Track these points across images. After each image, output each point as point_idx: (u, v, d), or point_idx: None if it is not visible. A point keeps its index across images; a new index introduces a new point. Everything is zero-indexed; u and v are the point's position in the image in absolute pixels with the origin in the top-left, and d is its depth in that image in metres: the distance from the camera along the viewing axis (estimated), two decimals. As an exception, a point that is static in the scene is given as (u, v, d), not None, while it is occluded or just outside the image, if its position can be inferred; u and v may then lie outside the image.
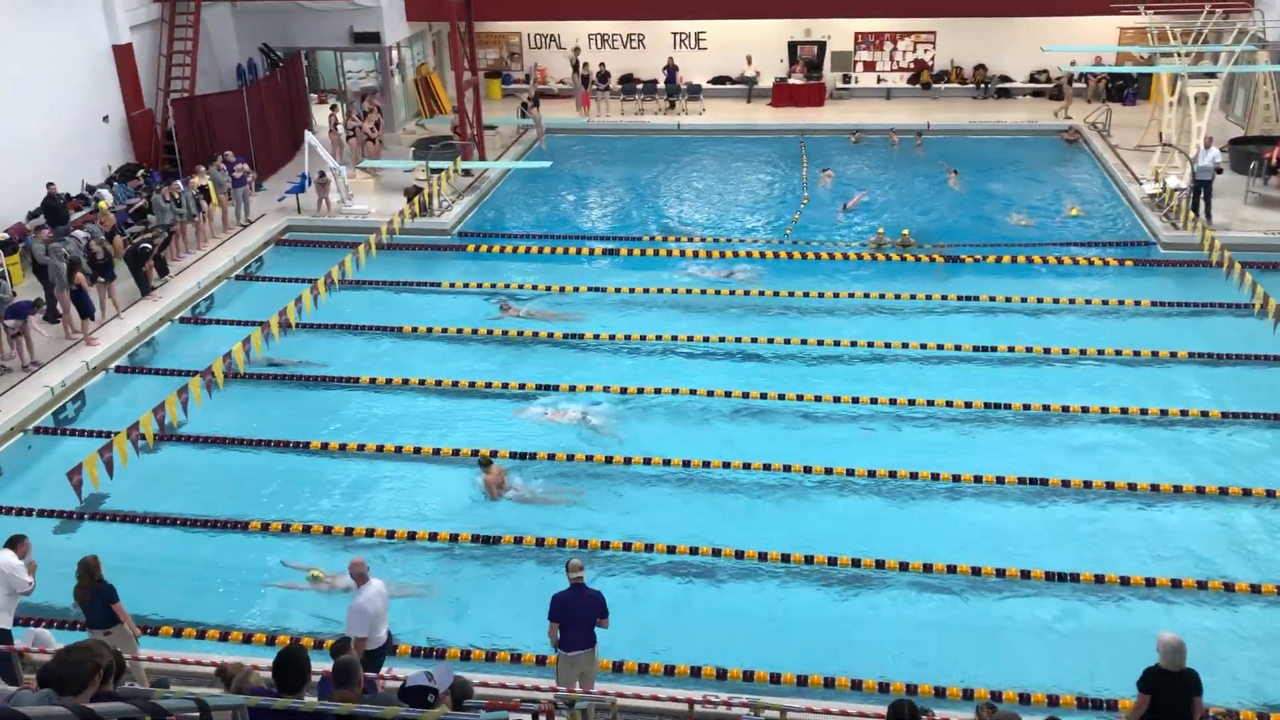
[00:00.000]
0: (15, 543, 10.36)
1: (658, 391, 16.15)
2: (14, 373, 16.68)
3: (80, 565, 10.02)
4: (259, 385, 16.85)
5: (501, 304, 18.69)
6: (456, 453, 14.71)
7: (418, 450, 14.84)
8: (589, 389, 16.25)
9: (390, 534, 13.03)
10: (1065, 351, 17.15)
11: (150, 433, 14.07)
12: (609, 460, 14.50)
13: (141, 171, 23.86)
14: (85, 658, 4.84)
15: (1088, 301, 18.96)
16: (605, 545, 12.67)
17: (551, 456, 14.58)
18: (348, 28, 28.38)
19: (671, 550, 12.56)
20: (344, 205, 23.72)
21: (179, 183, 21.75)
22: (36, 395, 16.14)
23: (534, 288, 20.01)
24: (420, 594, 12.07)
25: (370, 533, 13.08)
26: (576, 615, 9.48)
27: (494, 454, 14.43)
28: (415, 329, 18.55)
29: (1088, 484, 13.68)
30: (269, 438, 15.21)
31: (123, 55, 24.33)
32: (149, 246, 19.45)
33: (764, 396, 15.95)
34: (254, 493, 14.05)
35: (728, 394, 16.05)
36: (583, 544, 12.68)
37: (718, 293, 19.71)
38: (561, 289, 19.95)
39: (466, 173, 25.39)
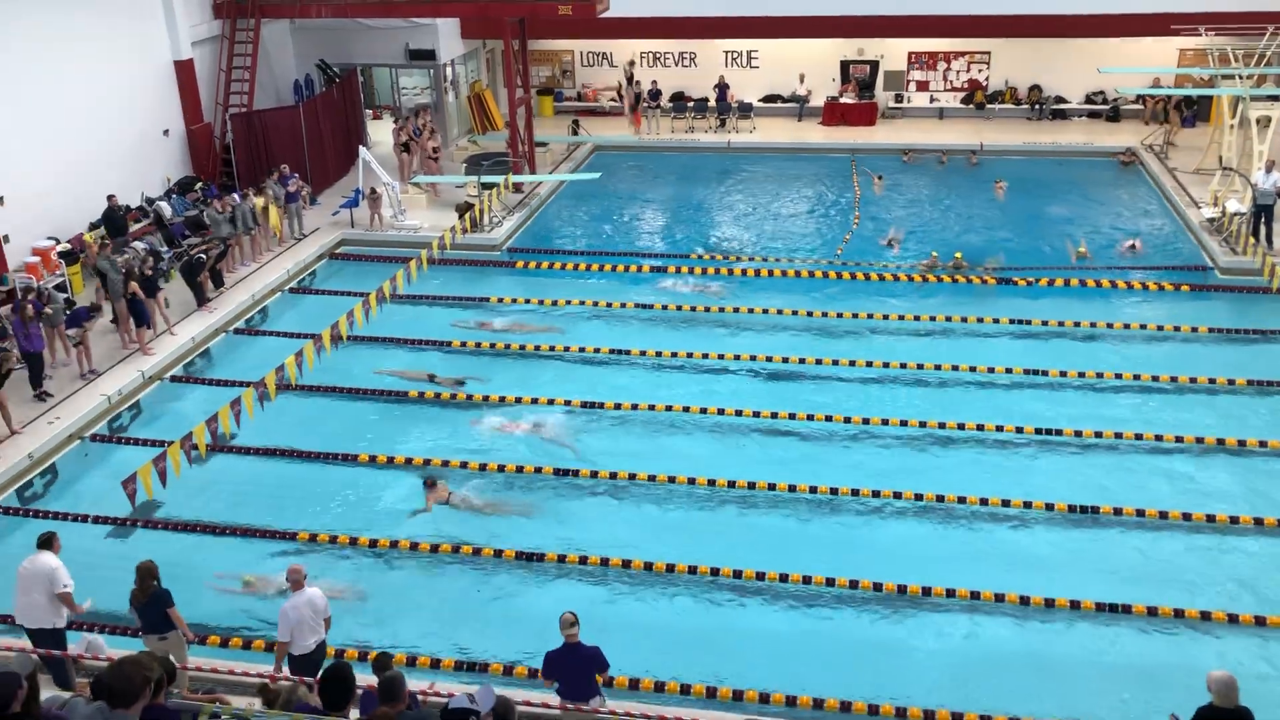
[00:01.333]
0: (48, 541, 10.44)
1: (704, 411, 16.12)
2: (73, 380, 17.01)
3: (139, 569, 10.18)
4: (310, 397, 17.04)
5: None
6: (502, 469, 14.78)
7: (464, 464, 14.91)
8: (634, 406, 16.26)
9: (434, 548, 13.10)
10: (1119, 376, 16.88)
11: (203, 443, 14.28)
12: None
13: (199, 185, 24.30)
14: (136, 671, 4.93)
15: (1143, 326, 18.66)
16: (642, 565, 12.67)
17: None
18: (404, 45, 28.76)
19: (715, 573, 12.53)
20: (396, 220, 23.98)
21: (235, 195, 22.16)
22: (94, 403, 16.46)
23: (581, 303, 20.08)
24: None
25: (415, 546, 13.16)
26: (571, 673, 9.30)
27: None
28: (464, 344, 18.67)
29: (1140, 513, 13.43)
30: (319, 450, 15.38)
31: (184, 70, 24.84)
32: (204, 258, 19.79)
33: (810, 418, 15.86)
34: (301, 504, 14.19)
35: (773, 414, 15.97)
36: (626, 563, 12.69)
37: (765, 311, 19.64)
38: (609, 304, 20.01)
39: (517, 189, 25.57)
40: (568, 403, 16.44)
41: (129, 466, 13.91)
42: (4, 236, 19.45)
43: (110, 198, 21.18)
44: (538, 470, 14.68)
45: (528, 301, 20.38)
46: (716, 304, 19.96)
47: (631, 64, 32.52)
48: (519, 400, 16.61)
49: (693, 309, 19.79)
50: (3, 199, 19.43)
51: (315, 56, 29.07)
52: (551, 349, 18.37)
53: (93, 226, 21.45)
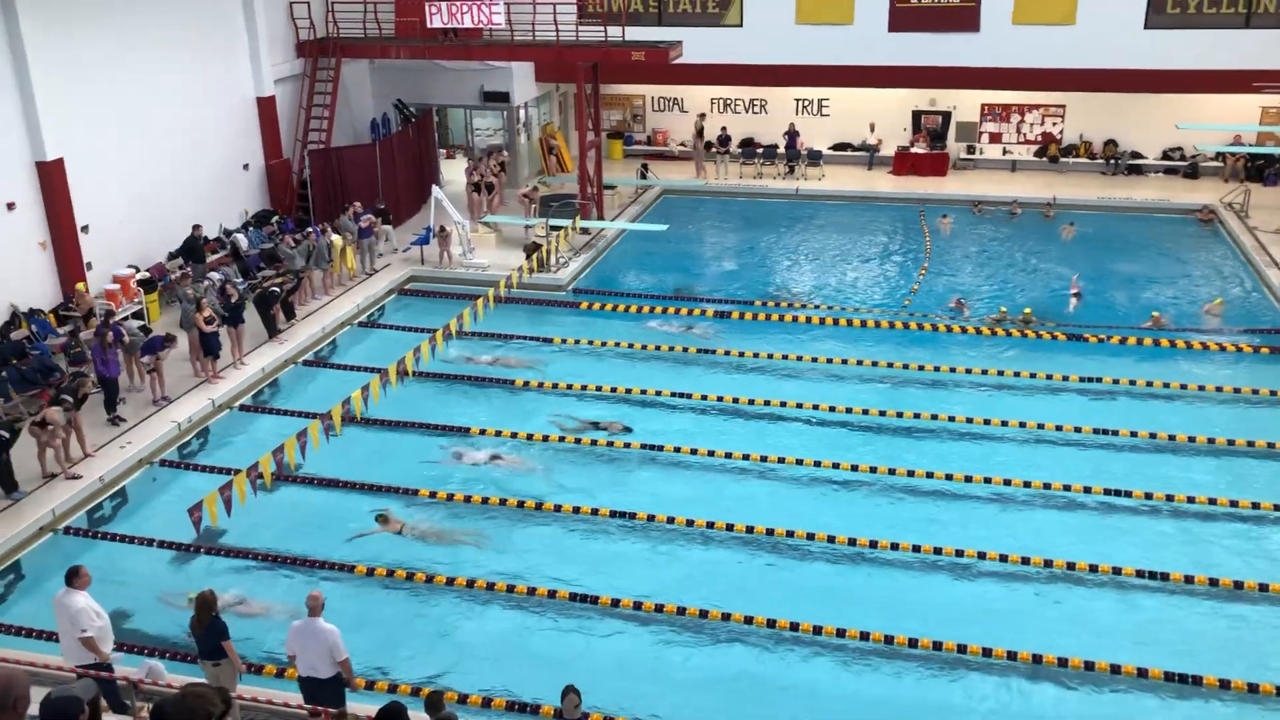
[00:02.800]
0: (71, 577, 10.34)
1: (763, 459, 16.02)
2: (146, 406, 17.39)
3: (199, 599, 10.36)
4: (375, 430, 17.21)
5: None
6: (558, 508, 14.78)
7: (520, 504, 14.94)
8: (693, 451, 16.22)
9: (490, 585, 13.10)
10: (1192, 440, 16.45)
11: (268, 473, 14.48)
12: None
13: (275, 218, 24.85)
14: (198, 705, 4.99)
15: (1218, 389, 18.17)
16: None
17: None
18: (479, 87, 29.25)
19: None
20: (465, 258, 24.29)
21: (312, 230, 22.65)
22: (164, 429, 16.80)
23: (643, 347, 20.12)
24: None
25: (471, 583, 13.17)
26: None
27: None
28: (527, 383, 18.77)
29: (1213, 582, 13.03)
30: (382, 483, 15.51)
31: (265, 107, 25.51)
32: (278, 290, 20.19)
33: (873, 470, 15.67)
34: (361, 536, 14.32)
35: (835, 465, 15.81)
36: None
37: (829, 361, 19.51)
38: (670, 348, 20.03)
39: (584, 231, 25.78)
40: (627, 445, 16.43)
41: (195, 493, 14.15)
42: (87, 264, 20.04)
43: (195, 227, 21.74)
44: (594, 512, 14.67)
45: (590, 342, 20.45)
46: (780, 350, 19.85)
47: (702, 116, 32.71)
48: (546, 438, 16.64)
49: (755, 355, 19.71)
50: (87, 227, 20.04)
51: (393, 96, 29.68)
52: (613, 390, 18.39)
53: (171, 256, 22.02)
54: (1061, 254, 25.34)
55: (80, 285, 19.51)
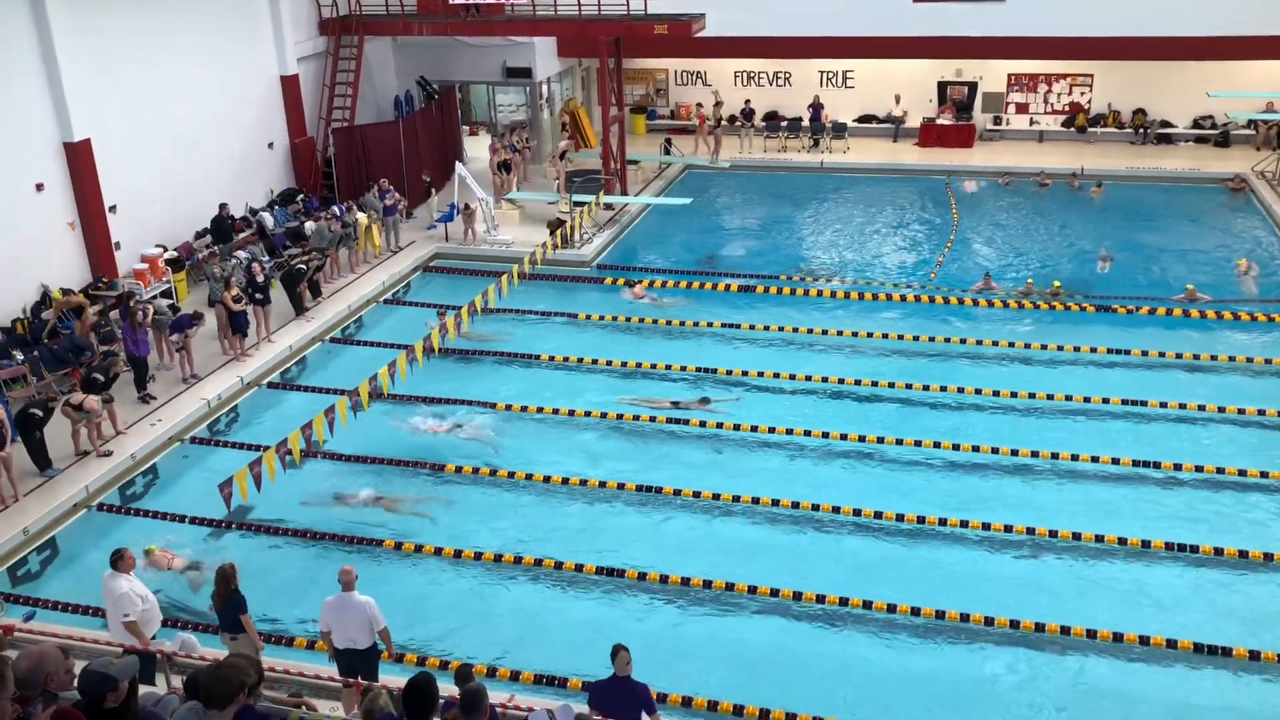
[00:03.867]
0: (115, 561, 10.47)
1: (789, 432, 16.02)
2: (176, 384, 17.57)
3: (218, 573, 10.49)
4: (401, 406, 17.31)
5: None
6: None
7: (547, 479, 15.02)
8: (719, 425, 16.23)
9: (517, 558, 13.20)
10: (1221, 410, 16.31)
11: (297, 450, 14.59)
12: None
13: (301, 197, 24.96)
14: (232, 675, 5.05)
15: (1249, 360, 18.00)
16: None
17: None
18: (501, 62, 29.20)
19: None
20: (489, 235, 24.32)
21: (335, 208, 22.75)
22: (194, 407, 16.97)
23: (667, 323, 20.12)
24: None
25: (499, 557, 13.27)
26: (616, 708, 9.04)
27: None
28: (552, 357, 18.82)
29: (1243, 554, 12.94)
30: (408, 458, 15.63)
31: (289, 85, 25.56)
32: (304, 268, 20.29)
33: (899, 442, 15.64)
34: (392, 510, 14.43)
35: (860, 438, 15.79)
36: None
37: (854, 334, 19.44)
38: (695, 324, 20.02)
39: (608, 206, 25.74)
40: (652, 419, 16.47)
41: (225, 469, 14.29)
42: (115, 243, 20.21)
43: (222, 206, 21.88)
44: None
45: (615, 319, 20.45)
46: (805, 324, 19.80)
47: (716, 92, 32.44)
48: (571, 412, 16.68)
49: (780, 329, 19.67)
50: (115, 207, 20.20)
51: (416, 73, 29.68)
52: (638, 365, 18.41)
53: (199, 235, 22.17)
54: (1089, 225, 25.11)
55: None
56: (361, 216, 22.85)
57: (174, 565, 12.96)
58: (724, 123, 31.61)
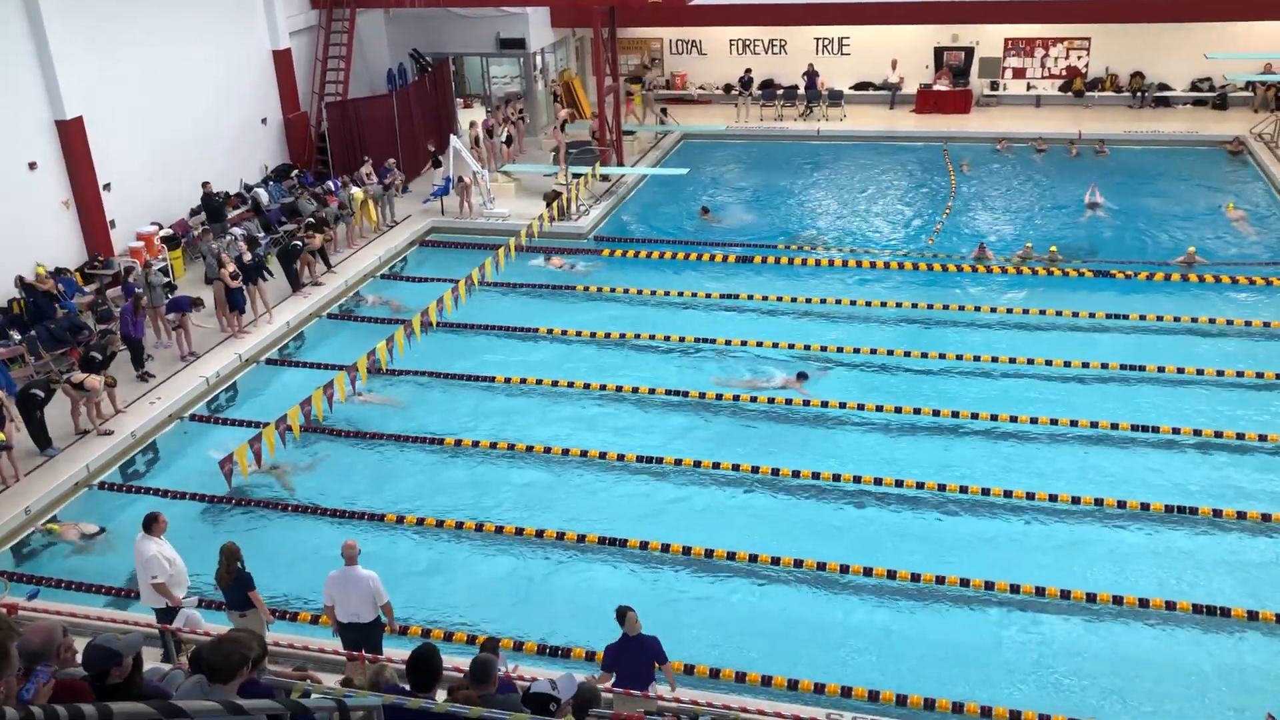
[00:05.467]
0: (149, 524, 10.67)
1: (788, 403, 16.05)
2: (174, 362, 17.56)
3: (222, 551, 10.54)
4: (399, 381, 17.32)
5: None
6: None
7: (548, 449, 15.05)
8: (718, 397, 16.24)
9: (519, 530, 13.25)
10: (1220, 374, 16.33)
11: (297, 425, 14.62)
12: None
13: (295, 172, 24.85)
14: (235, 650, 5.07)
15: (1247, 323, 17.99)
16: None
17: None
18: (495, 34, 28.98)
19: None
20: (485, 208, 24.24)
21: (330, 183, 22.66)
22: (193, 384, 16.98)
23: (666, 293, 20.08)
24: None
25: (500, 529, 13.32)
26: (631, 664, 9.38)
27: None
28: (550, 331, 18.80)
29: (1241, 514, 13.00)
30: (407, 433, 15.64)
31: (281, 60, 25.39)
32: (300, 244, 20.23)
33: (898, 410, 15.67)
34: (392, 486, 14.48)
35: (860, 406, 15.81)
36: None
37: (853, 303, 19.42)
38: (694, 294, 19.99)
39: (604, 177, 25.64)
40: (651, 390, 16.47)
41: (225, 446, 14.32)
42: (110, 221, 20.14)
43: (205, 184, 21.77)
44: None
45: (612, 290, 20.41)
46: (803, 294, 19.78)
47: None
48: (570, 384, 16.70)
49: (779, 299, 19.65)
50: (109, 185, 20.11)
51: (408, 46, 29.46)
52: (637, 336, 18.40)
53: (194, 212, 22.08)
54: (1087, 190, 25.01)
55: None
56: (357, 191, 22.76)
57: (75, 535, 13.38)
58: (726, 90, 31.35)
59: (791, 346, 17.77)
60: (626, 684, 9.40)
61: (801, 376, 16.77)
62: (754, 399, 16.18)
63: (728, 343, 17.99)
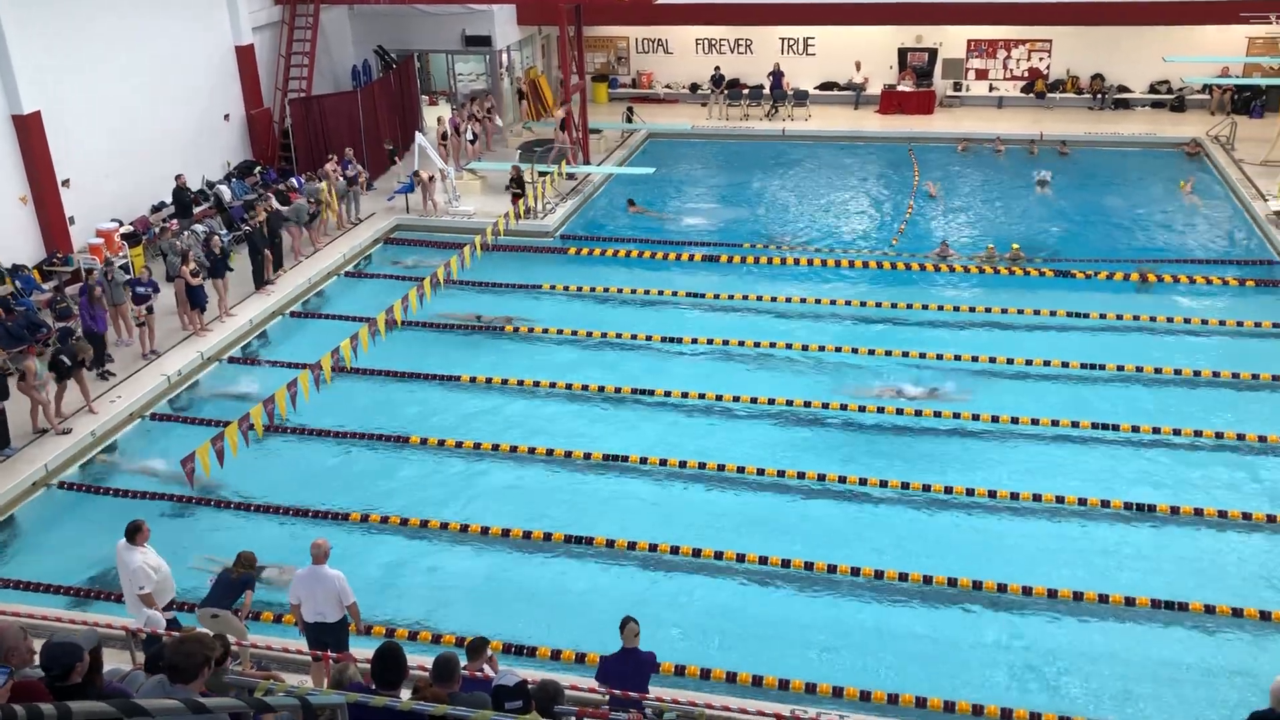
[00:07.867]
0: (132, 533, 10.48)
1: (754, 401, 16.12)
2: (136, 360, 17.36)
3: (241, 556, 10.70)
4: (365, 379, 17.22)
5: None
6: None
7: (514, 449, 15.02)
8: (684, 395, 16.28)
9: (484, 530, 13.23)
10: (1178, 372, 16.57)
11: (260, 424, 14.51)
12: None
13: (258, 169, 24.63)
14: (197, 649, 5.03)
15: (1204, 321, 18.26)
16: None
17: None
18: (460, 31, 28.88)
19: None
20: (450, 206, 24.14)
21: (294, 179, 22.47)
22: (155, 383, 16.79)
23: (632, 291, 20.09)
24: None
25: (465, 528, 13.28)
26: (627, 678, 9.26)
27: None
28: (517, 329, 18.76)
29: (1198, 511, 13.21)
30: (372, 431, 15.56)
31: (244, 56, 25.15)
32: (263, 229, 19.95)
33: (862, 410, 15.77)
34: (357, 485, 14.39)
35: (824, 405, 15.91)
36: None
37: (817, 301, 19.53)
38: (660, 292, 20.01)
39: (570, 176, 25.61)
40: (618, 390, 16.48)
41: (188, 445, 14.17)
42: (69, 218, 19.87)
43: (178, 177, 21.52)
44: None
45: (579, 289, 20.38)
46: (769, 293, 19.86)
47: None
48: (537, 383, 16.69)
49: (744, 297, 19.72)
50: (68, 181, 19.84)
51: (373, 42, 29.30)
52: (604, 335, 18.40)
53: (155, 209, 21.83)
54: (1049, 190, 25.30)
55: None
56: (322, 186, 22.58)
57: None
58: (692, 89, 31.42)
59: (756, 345, 17.83)
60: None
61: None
62: (719, 397, 16.22)
63: (694, 340, 18.03)
